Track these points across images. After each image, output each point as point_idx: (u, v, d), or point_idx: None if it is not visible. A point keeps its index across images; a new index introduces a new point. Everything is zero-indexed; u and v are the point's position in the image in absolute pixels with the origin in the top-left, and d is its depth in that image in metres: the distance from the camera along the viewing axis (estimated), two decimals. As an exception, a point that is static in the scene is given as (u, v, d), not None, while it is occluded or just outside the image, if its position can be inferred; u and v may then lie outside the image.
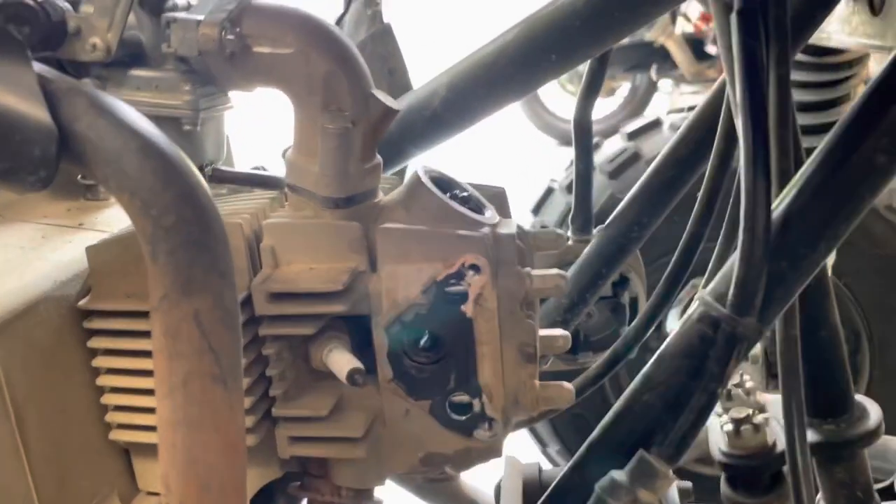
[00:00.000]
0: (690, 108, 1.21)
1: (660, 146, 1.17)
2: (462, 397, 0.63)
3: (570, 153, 1.26)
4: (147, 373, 0.60)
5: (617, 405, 0.74)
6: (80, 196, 0.85)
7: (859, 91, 1.05)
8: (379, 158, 0.66)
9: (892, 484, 1.07)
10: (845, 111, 0.73)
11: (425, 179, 0.64)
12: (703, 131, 1.08)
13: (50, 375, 0.63)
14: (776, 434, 0.93)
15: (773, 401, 1.00)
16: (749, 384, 1.04)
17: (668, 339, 0.73)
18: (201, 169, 0.82)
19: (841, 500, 0.97)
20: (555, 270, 0.63)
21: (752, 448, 0.93)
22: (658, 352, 0.73)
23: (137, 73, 0.77)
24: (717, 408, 1.01)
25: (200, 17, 0.64)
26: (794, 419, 0.76)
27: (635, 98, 5.79)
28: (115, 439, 0.68)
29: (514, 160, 5.42)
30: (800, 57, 1.12)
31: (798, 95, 1.14)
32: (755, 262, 0.66)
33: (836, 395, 0.97)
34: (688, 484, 1.02)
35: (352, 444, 0.65)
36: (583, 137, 1.23)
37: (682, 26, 5.27)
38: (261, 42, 0.62)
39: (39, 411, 0.62)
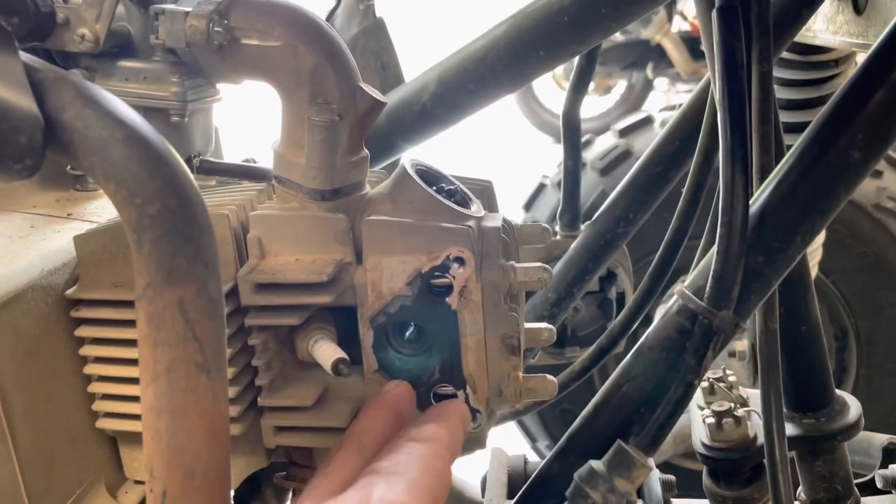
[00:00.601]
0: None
1: (651, 143, 1.18)
2: (447, 389, 0.63)
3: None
4: (134, 362, 0.60)
5: (597, 396, 0.75)
6: (70, 186, 0.86)
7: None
8: (366, 151, 0.66)
9: (873, 479, 1.08)
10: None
11: (411, 172, 0.64)
12: (690, 128, 1.09)
13: (37, 364, 0.63)
14: (757, 427, 0.94)
15: (755, 395, 1.01)
16: (732, 378, 1.05)
17: (647, 332, 0.73)
18: (189, 160, 0.82)
19: (820, 493, 0.98)
20: (538, 264, 0.64)
21: (733, 441, 0.94)
22: (637, 344, 0.74)
23: (126, 64, 0.77)
24: (701, 401, 1.03)
25: (189, 9, 0.64)
26: (772, 412, 0.76)
27: (631, 96, 5.80)
28: (103, 428, 0.69)
29: (510, 157, 5.43)
30: (786, 55, 1.13)
31: (785, 93, 1.15)
32: (732, 255, 0.67)
33: (816, 389, 0.98)
34: (671, 477, 1.03)
35: (337, 434, 0.65)
36: (571, 133, 1.24)
37: (679, 25, 5.28)
38: (249, 34, 0.62)
39: (26, 399, 0.62)
